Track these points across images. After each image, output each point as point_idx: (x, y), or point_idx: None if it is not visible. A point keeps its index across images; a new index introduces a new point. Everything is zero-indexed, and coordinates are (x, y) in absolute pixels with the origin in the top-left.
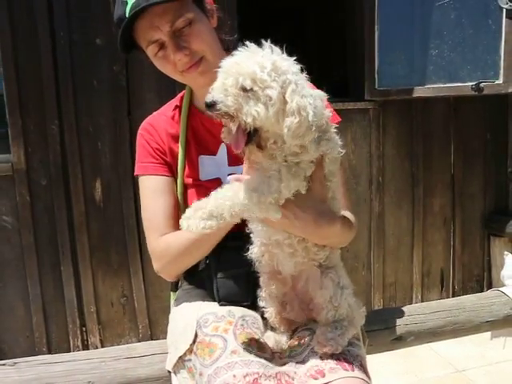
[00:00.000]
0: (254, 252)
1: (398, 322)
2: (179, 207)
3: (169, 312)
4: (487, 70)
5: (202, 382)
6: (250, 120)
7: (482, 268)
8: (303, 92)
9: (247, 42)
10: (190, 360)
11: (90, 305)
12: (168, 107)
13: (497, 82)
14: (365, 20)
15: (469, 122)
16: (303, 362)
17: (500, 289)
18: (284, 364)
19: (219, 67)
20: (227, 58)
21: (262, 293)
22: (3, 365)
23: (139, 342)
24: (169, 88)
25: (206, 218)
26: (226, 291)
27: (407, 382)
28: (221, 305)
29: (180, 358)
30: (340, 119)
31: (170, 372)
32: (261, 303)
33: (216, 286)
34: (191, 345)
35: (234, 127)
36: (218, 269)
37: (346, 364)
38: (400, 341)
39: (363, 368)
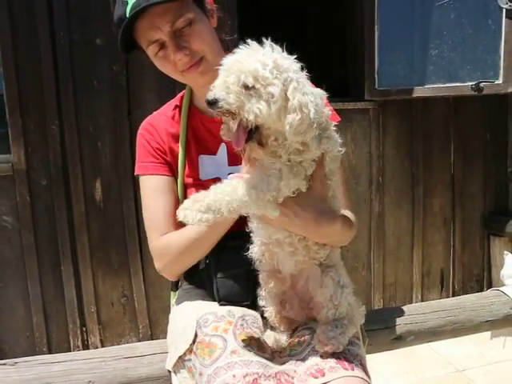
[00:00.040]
0: (254, 251)
1: (398, 321)
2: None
3: (169, 312)
4: (487, 70)
5: (202, 381)
6: (251, 117)
7: (481, 268)
8: (304, 90)
9: (248, 40)
10: (189, 360)
11: (91, 305)
12: (168, 107)
13: (496, 81)
14: (365, 20)
15: (469, 121)
16: (303, 360)
17: (500, 288)
18: (284, 363)
19: (220, 66)
20: (228, 56)
21: (262, 292)
22: (3, 364)
23: (139, 341)
24: (169, 88)
25: (203, 210)
26: (226, 291)
27: (407, 381)
28: (221, 304)
29: (180, 357)
30: (340, 119)
31: (170, 371)
32: (260, 302)
33: (216, 286)
34: (191, 345)
35: (234, 125)
36: (217, 268)
37: (346, 363)
38: (400, 340)
39: (363, 367)
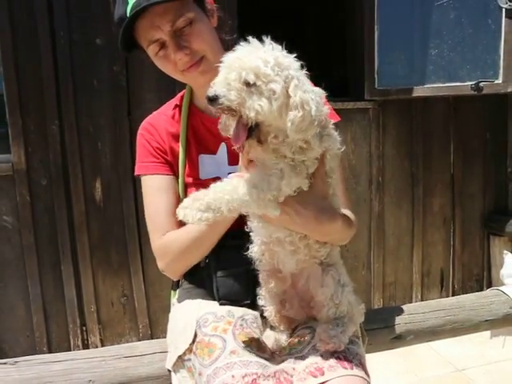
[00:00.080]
0: (254, 251)
1: (398, 320)
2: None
3: (169, 311)
4: (487, 70)
5: (202, 381)
6: (252, 114)
7: (481, 267)
8: (305, 87)
9: (249, 37)
10: (189, 359)
11: (91, 304)
12: (168, 107)
13: (496, 81)
14: (365, 20)
15: (468, 121)
16: (302, 358)
17: (499, 288)
18: (283, 361)
19: (220, 63)
20: (229, 54)
21: (262, 291)
22: (4, 364)
23: (139, 341)
24: (169, 88)
25: (203, 209)
26: (226, 290)
27: (407, 381)
28: (221, 304)
29: (179, 357)
30: (339, 119)
31: (169, 371)
32: (260, 302)
33: (216, 285)
34: (191, 344)
35: (233, 122)
36: (217, 267)
37: (346, 362)
38: (399, 340)
39: (362, 366)
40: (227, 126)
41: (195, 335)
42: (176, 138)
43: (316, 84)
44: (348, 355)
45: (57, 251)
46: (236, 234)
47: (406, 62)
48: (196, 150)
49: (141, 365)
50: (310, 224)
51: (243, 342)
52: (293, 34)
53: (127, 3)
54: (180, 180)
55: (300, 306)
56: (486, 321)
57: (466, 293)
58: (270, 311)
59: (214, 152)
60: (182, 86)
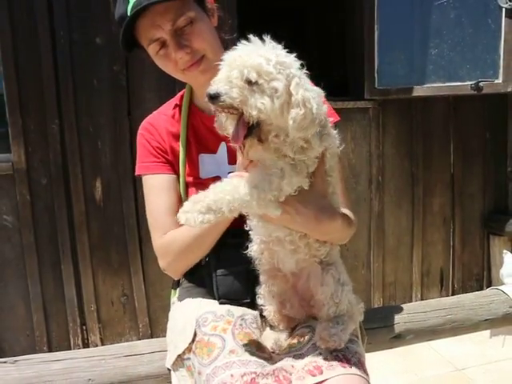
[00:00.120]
0: (253, 249)
1: (397, 320)
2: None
3: (169, 310)
4: (487, 69)
5: (201, 380)
6: (255, 112)
7: (481, 267)
8: (306, 86)
9: (250, 36)
10: (188, 359)
11: (91, 303)
12: (168, 106)
13: (496, 81)
14: (365, 20)
15: (468, 121)
16: (301, 356)
17: (499, 287)
18: (282, 360)
19: (221, 62)
20: (229, 52)
21: (262, 290)
22: (4, 362)
23: (139, 340)
24: (169, 87)
25: (204, 211)
26: (226, 289)
27: (407, 380)
28: (220, 302)
29: (179, 356)
30: (339, 118)
31: (169, 370)
32: (259, 301)
33: (216, 284)
34: (190, 344)
35: (232, 121)
36: (217, 266)
37: (345, 361)
38: (399, 339)
39: (361, 365)
40: (224, 124)
41: (195, 334)
42: (176, 137)
43: (316, 84)
44: (347, 354)
45: (57, 250)
46: (236, 233)
47: (405, 62)
48: (196, 149)
49: (140, 364)
50: (310, 223)
51: (242, 341)
52: (293, 34)
53: (128, 2)
54: (181, 179)
55: (300, 305)
56: (486, 320)
57: (466, 292)
58: (269, 310)
59: (214, 151)
60: (182, 85)
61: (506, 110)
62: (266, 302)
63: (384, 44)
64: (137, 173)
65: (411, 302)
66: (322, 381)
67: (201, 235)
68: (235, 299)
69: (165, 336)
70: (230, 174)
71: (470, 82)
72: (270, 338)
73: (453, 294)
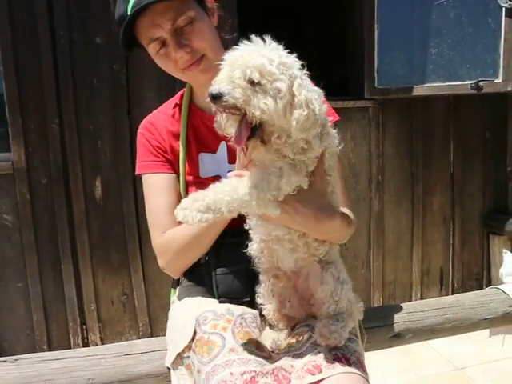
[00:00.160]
0: (253, 248)
1: (397, 319)
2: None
3: (169, 309)
4: (486, 69)
5: (200, 379)
6: (258, 113)
7: (481, 266)
8: (308, 87)
9: (252, 36)
10: (188, 357)
11: (91, 303)
12: (168, 105)
13: (496, 80)
14: (365, 20)
15: (468, 120)
16: (301, 355)
17: (498, 286)
18: (281, 359)
19: (221, 61)
20: (231, 51)
21: (261, 289)
22: (4, 361)
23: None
24: (169, 86)
25: (203, 210)
26: (226, 287)
27: (406, 379)
28: (220, 301)
29: (179, 354)
30: (338, 118)
31: (169, 368)
32: (259, 300)
33: (215, 283)
34: (190, 342)
35: (233, 121)
36: (217, 265)
37: (344, 360)
38: (398, 338)
39: (360, 364)
40: (224, 125)
41: (194, 333)
42: (176, 136)
43: (316, 84)
44: (346, 353)
45: (57, 250)
46: (236, 232)
47: (405, 61)
48: (196, 148)
49: (140, 363)
50: (310, 222)
51: (242, 340)
52: (293, 34)
53: (128, 1)
54: (181, 179)
55: (300, 304)
56: (486, 319)
57: (466, 291)
58: (268, 309)
59: (214, 150)
60: (182, 84)
61: (506, 110)
62: (266, 300)
63: (384, 44)
64: (137, 172)
65: (411, 301)
66: (321, 379)
67: (200, 234)
68: (235, 298)
69: (165, 335)
70: (229, 174)
71: (469, 82)
72: (270, 338)
73: (452, 294)
